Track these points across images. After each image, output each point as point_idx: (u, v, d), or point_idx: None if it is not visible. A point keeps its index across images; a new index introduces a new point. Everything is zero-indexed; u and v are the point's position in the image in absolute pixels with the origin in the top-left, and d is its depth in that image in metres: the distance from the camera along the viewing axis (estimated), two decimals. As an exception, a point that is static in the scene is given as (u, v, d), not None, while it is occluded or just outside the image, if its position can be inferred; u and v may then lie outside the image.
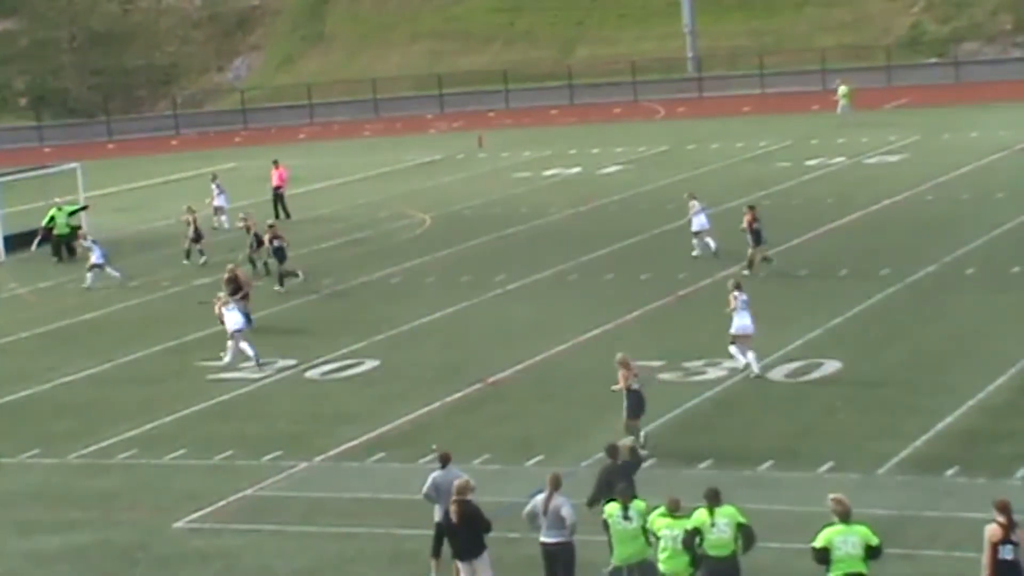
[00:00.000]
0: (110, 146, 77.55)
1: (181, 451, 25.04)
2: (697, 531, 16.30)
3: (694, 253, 36.90)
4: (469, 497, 17.52)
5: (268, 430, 25.76)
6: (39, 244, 44.55)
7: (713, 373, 27.11)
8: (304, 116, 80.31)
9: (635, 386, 22.75)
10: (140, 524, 21.77)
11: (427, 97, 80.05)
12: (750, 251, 34.62)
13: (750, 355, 26.54)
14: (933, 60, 77.31)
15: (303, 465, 23.80)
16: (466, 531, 17.44)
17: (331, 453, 24.30)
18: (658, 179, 51.11)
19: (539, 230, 43.17)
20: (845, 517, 15.55)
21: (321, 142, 71.75)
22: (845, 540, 15.46)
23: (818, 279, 34.32)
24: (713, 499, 16.42)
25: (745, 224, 34.49)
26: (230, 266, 33.65)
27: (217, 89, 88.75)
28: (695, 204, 37.23)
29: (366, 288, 37.21)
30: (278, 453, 24.38)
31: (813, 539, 15.65)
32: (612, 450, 18.79)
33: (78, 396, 29.31)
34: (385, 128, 75.11)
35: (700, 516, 16.39)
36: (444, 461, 18.69)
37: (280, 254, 36.95)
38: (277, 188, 48.65)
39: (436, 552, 18.67)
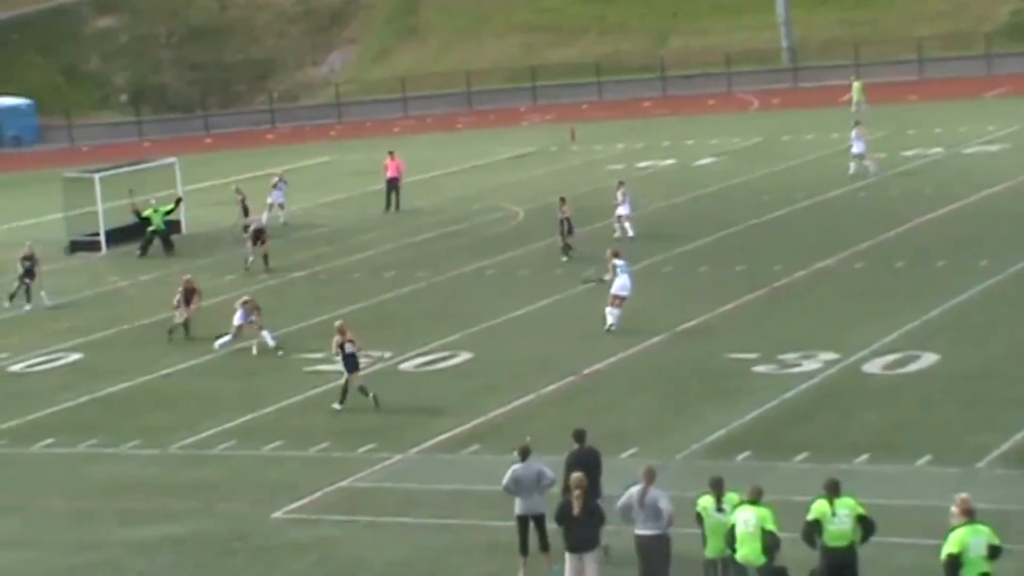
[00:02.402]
0: (207, 140, 78.37)
1: (278, 442, 25.29)
2: (817, 523, 16.20)
3: (615, 235, 39.84)
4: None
5: (363, 422, 25.95)
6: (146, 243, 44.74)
7: (808, 365, 26.93)
8: (398, 109, 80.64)
9: (349, 350, 26.52)
10: (238, 515, 22.02)
11: (520, 89, 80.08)
12: (560, 239, 38.20)
13: (615, 311, 30.03)
14: (1034, 47, 76.09)
15: (398, 457, 23.95)
16: (588, 523, 17.46)
17: (425, 445, 24.43)
18: (753, 171, 50.80)
19: (633, 222, 43.03)
20: (971, 517, 15.22)
21: (415, 135, 71.98)
22: (977, 542, 15.15)
23: (915, 271, 33.96)
24: (833, 490, 16.29)
25: (560, 215, 38.38)
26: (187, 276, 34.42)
27: (312, 83, 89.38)
28: (622, 191, 40.45)
29: (460, 281, 37.35)
30: (373, 445, 24.55)
31: (944, 543, 15.17)
32: (579, 435, 18.92)
33: (178, 388, 29.68)
34: (478, 121, 75.26)
35: (820, 507, 16.26)
36: (524, 454, 18.68)
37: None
38: (393, 179, 48.98)
39: (524, 549, 18.63)
